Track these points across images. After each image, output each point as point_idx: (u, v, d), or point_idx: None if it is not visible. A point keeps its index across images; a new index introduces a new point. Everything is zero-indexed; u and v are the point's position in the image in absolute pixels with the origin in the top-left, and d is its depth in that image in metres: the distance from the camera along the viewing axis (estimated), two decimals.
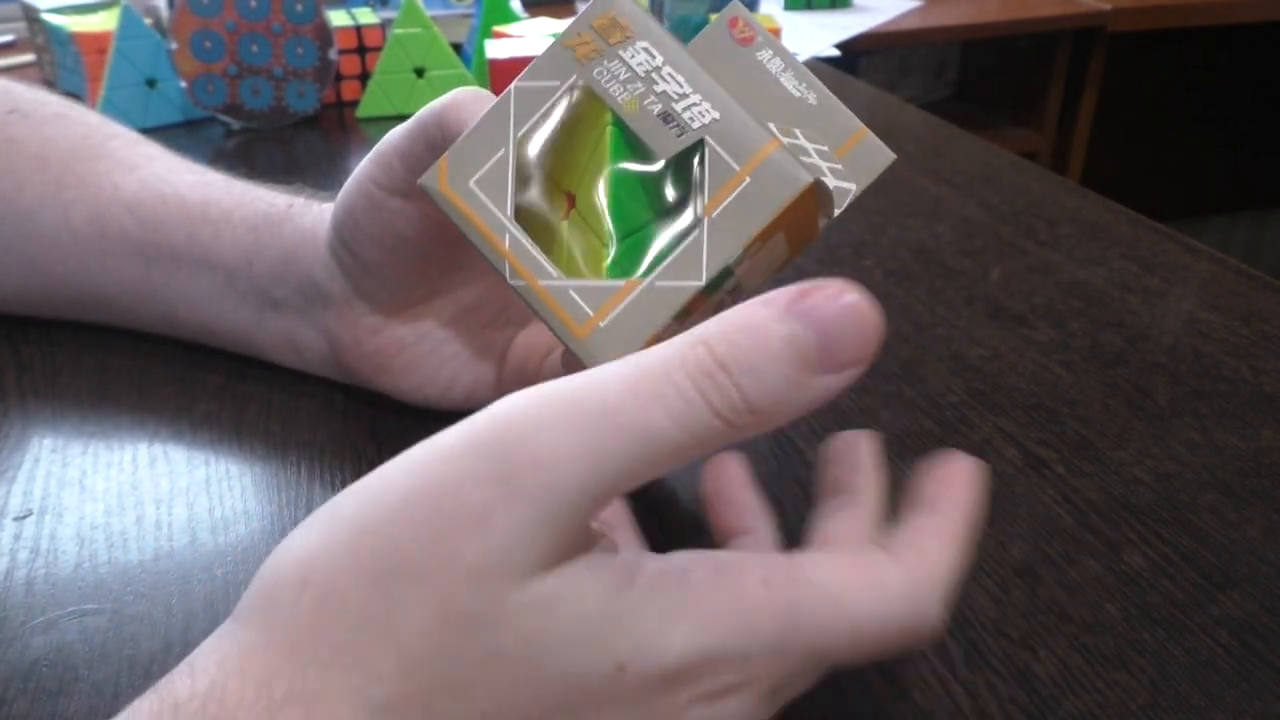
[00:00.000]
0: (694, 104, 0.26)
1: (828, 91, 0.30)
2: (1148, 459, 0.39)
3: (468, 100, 0.31)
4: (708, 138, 0.26)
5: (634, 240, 0.27)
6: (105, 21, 0.80)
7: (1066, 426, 0.41)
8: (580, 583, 0.21)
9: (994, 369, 0.45)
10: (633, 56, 0.26)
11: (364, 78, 0.82)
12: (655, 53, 0.26)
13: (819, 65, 1.03)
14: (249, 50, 0.76)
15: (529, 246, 0.27)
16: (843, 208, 0.29)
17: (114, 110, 0.75)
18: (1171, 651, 0.31)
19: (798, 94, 0.29)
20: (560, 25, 0.84)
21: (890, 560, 0.23)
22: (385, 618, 0.21)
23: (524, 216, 0.28)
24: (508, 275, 0.27)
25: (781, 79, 0.29)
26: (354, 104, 0.82)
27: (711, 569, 0.22)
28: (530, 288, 0.27)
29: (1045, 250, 0.56)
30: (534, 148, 0.28)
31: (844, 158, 0.29)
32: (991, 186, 0.66)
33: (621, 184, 0.28)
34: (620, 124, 0.27)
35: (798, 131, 0.29)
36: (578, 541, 0.22)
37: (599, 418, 0.20)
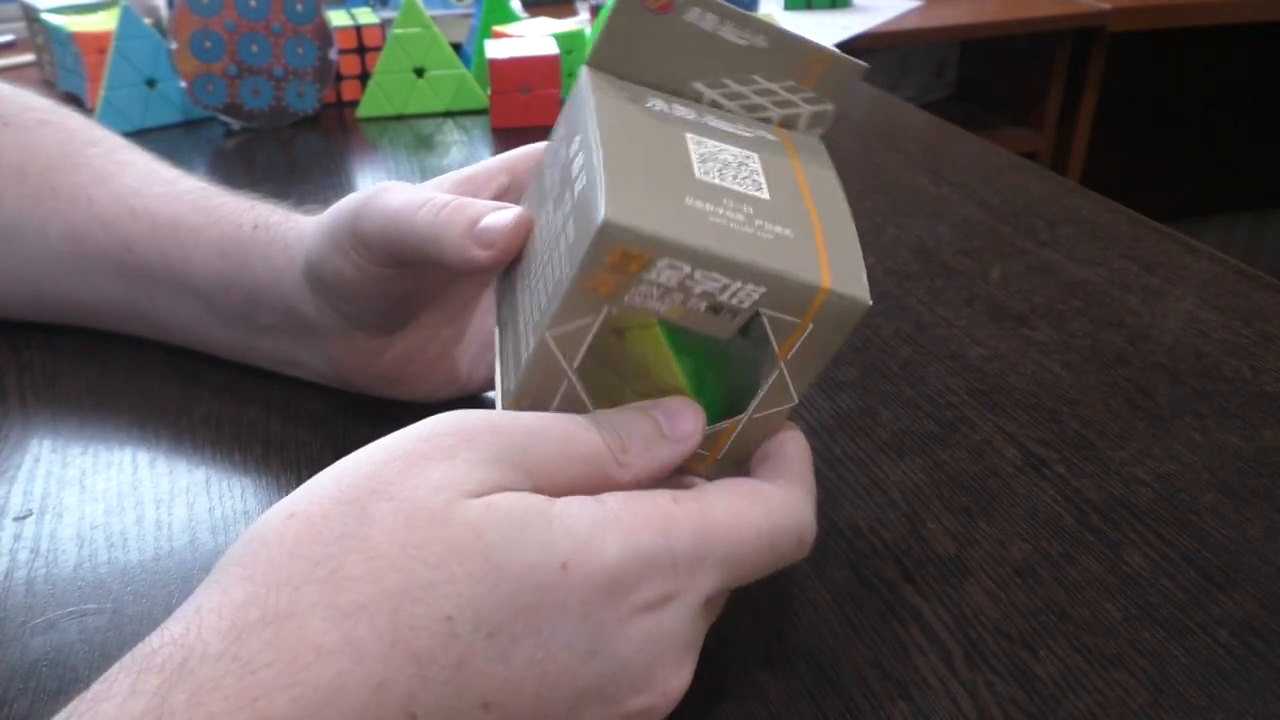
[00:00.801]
0: (738, 289, 0.26)
1: (778, 28, 0.29)
2: (1148, 459, 0.39)
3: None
4: (761, 311, 0.26)
5: (712, 393, 0.29)
6: (105, 21, 0.80)
7: (1066, 426, 0.41)
8: (512, 493, 0.24)
9: (994, 369, 0.45)
10: (659, 275, 0.25)
11: (364, 78, 0.82)
12: (681, 264, 0.25)
13: None
14: (249, 50, 0.76)
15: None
16: (826, 128, 0.30)
17: (114, 110, 0.75)
18: (1171, 651, 0.31)
19: (745, 41, 0.29)
20: (560, 25, 0.84)
21: (765, 482, 0.28)
22: (359, 529, 0.23)
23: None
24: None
25: (721, 33, 0.28)
26: (354, 104, 0.82)
27: (624, 496, 0.25)
28: None
29: (1045, 250, 0.56)
30: (593, 367, 0.28)
31: (817, 85, 0.29)
32: (991, 186, 0.66)
33: (689, 363, 0.28)
34: (668, 325, 0.27)
35: (756, 77, 0.29)
36: (512, 487, 0.25)
37: (532, 419, 0.26)
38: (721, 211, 0.27)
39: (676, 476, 0.29)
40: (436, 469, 0.24)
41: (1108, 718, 0.29)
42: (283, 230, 0.39)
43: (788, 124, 0.30)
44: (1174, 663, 0.30)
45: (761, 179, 0.28)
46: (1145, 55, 1.89)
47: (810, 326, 0.26)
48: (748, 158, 0.29)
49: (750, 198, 0.27)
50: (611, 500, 0.25)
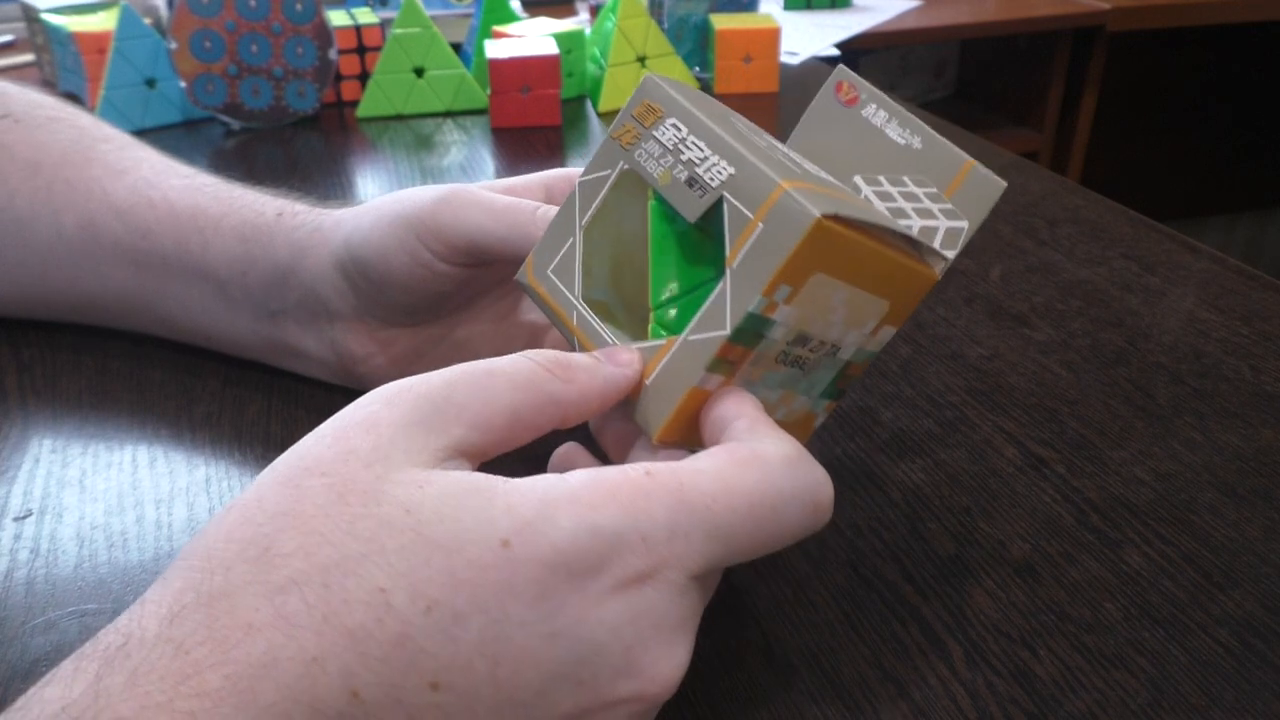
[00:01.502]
0: (712, 164, 0.27)
1: (932, 132, 0.31)
2: (1148, 459, 0.39)
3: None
4: (725, 193, 0.27)
5: (685, 304, 0.29)
6: (105, 21, 0.80)
7: (1066, 426, 0.41)
8: (451, 475, 0.24)
9: (994, 369, 0.45)
10: (663, 134, 0.29)
11: (364, 78, 0.82)
12: (681, 126, 0.28)
13: (819, 66, 1.03)
14: (249, 50, 0.76)
15: (591, 319, 0.30)
16: (959, 247, 0.31)
17: (113, 110, 0.75)
18: (1171, 651, 0.31)
19: (903, 141, 0.31)
20: (560, 25, 0.84)
21: (758, 443, 0.25)
22: (292, 508, 0.23)
23: (594, 305, 0.30)
24: (576, 348, 0.30)
25: (887, 130, 0.31)
26: (354, 104, 0.82)
27: (588, 475, 0.24)
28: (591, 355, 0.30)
29: (1045, 250, 0.56)
30: (596, 232, 0.31)
31: (954, 195, 0.31)
32: None
33: (660, 251, 0.30)
34: (659, 197, 0.29)
35: (907, 179, 0.31)
36: (453, 458, 0.24)
37: (450, 369, 0.26)
38: (765, 142, 0.30)
39: (659, 450, 0.28)
40: (363, 440, 0.24)
41: (1108, 718, 0.29)
42: (312, 216, 0.40)
43: (924, 237, 0.31)
44: (1174, 662, 0.30)
45: (825, 173, 0.30)
46: (1145, 55, 1.89)
47: (760, 227, 0.26)
48: (817, 167, 0.31)
49: (792, 155, 0.30)
50: (573, 477, 0.24)
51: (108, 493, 0.38)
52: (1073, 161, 1.72)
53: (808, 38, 1.17)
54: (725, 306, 0.26)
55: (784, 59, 1.03)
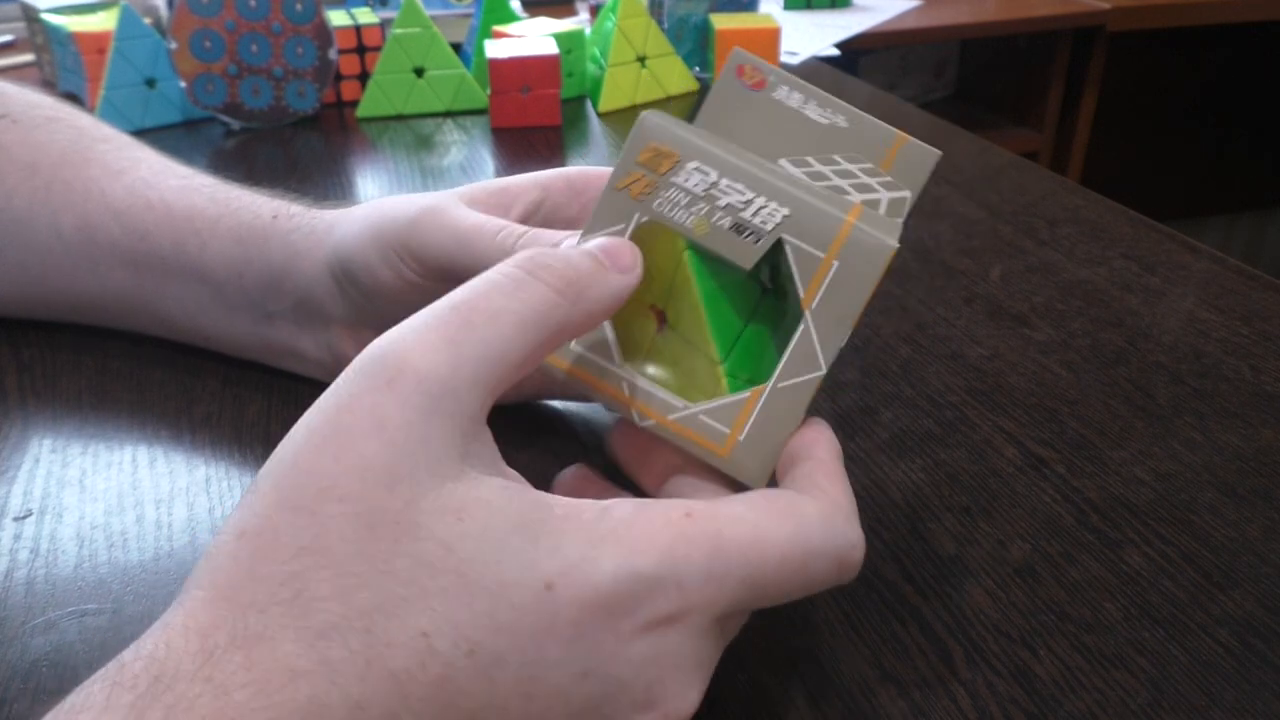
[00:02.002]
0: (761, 207, 0.26)
1: (856, 110, 0.30)
2: (1148, 459, 0.39)
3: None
4: (784, 236, 0.26)
5: (742, 351, 0.28)
6: (105, 21, 0.80)
7: (1066, 426, 0.41)
8: (490, 495, 0.23)
9: (994, 369, 0.45)
10: (687, 179, 0.27)
11: (363, 78, 0.82)
12: (708, 169, 0.27)
13: (819, 65, 1.03)
14: (249, 50, 0.76)
15: (648, 387, 0.28)
16: (904, 215, 0.30)
17: (113, 110, 0.75)
18: (1171, 651, 0.31)
19: (826, 121, 0.30)
20: (560, 25, 0.84)
21: (800, 496, 0.25)
22: (316, 541, 0.22)
23: (644, 373, 0.29)
24: (636, 420, 0.28)
25: (806, 111, 0.30)
26: (354, 104, 0.82)
27: (632, 507, 0.24)
28: (662, 425, 0.28)
29: (1045, 250, 0.56)
30: None
31: (891, 168, 0.30)
32: (991, 186, 0.66)
33: (714, 303, 0.29)
34: (695, 247, 0.28)
35: (837, 157, 0.30)
36: (471, 441, 0.23)
37: (449, 313, 0.24)
38: (766, 163, 0.28)
39: (704, 482, 0.28)
40: (374, 447, 0.22)
41: (1108, 718, 0.29)
42: (307, 218, 0.40)
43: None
44: (1174, 662, 0.30)
45: (819, 185, 0.29)
46: (1145, 55, 1.89)
47: (835, 265, 0.26)
48: (815, 182, 0.30)
49: (799, 176, 0.29)
50: (617, 512, 0.23)
51: (108, 493, 0.38)
52: (1073, 161, 1.72)
53: (808, 38, 1.17)
54: (814, 347, 0.26)
55: (784, 59, 1.03)
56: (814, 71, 1.00)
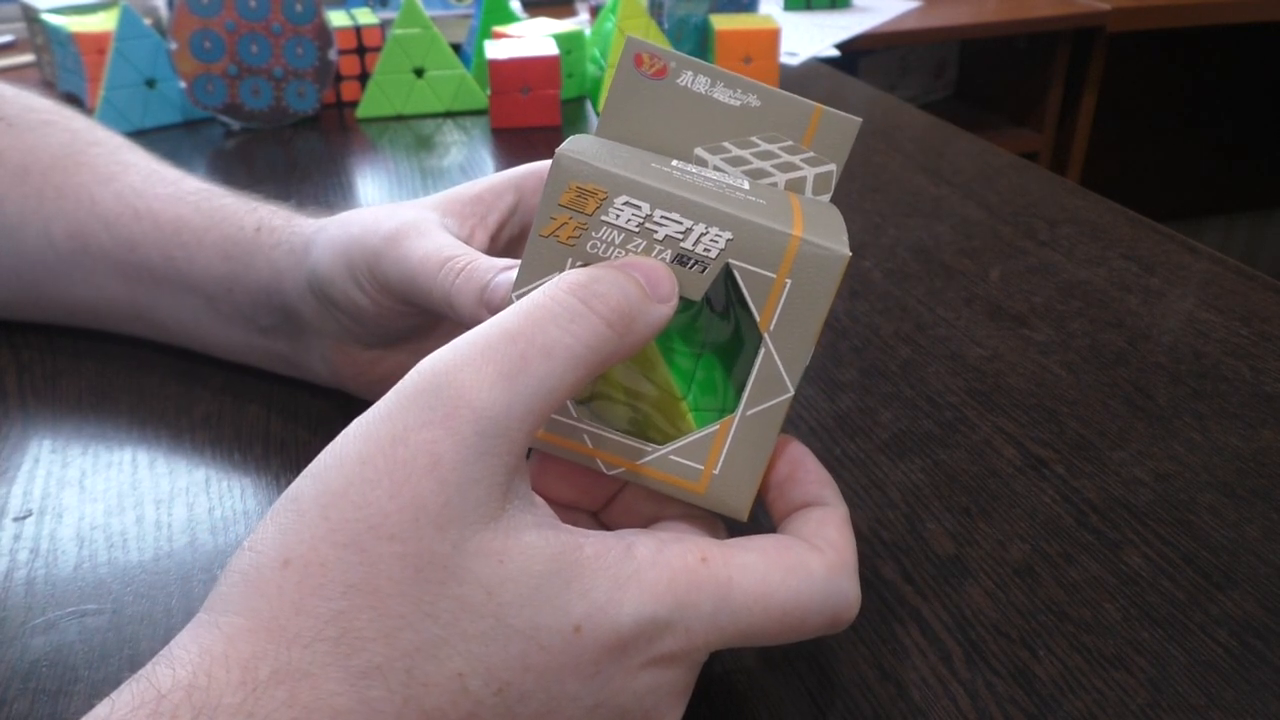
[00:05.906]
0: (702, 234, 0.25)
1: (767, 88, 0.29)
2: (1148, 459, 0.39)
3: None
4: (731, 261, 0.25)
5: (702, 383, 0.28)
6: (105, 21, 0.80)
7: (1066, 426, 0.41)
8: (529, 537, 0.23)
9: (994, 369, 0.45)
10: (618, 216, 0.25)
11: (363, 78, 0.82)
12: (639, 202, 0.25)
13: (819, 66, 1.03)
14: (249, 50, 0.76)
15: (609, 435, 0.27)
16: (832, 190, 0.29)
17: (113, 111, 0.75)
18: (1171, 651, 0.31)
19: (738, 102, 0.29)
20: (559, 25, 0.84)
21: (811, 550, 0.26)
22: (365, 581, 0.22)
23: (604, 422, 0.28)
24: (604, 469, 0.27)
25: (714, 94, 0.29)
26: (353, 104, 0.82)
27: (655, 546, 0.24)
28: (632, 471, 0.27)
29: (1045, 250, 0.56)
30: None
31: (812, 143, 0.29)
32: (991, 186, 0.66)
33: (665, 338, 0.28)
34: None
35: (755, 139, 0.29)
36: (514, 475, 0.23)
37: (505, 344, 0.23)
38: (691, 173, 0.27)
39: (714, 524, 0.28)
40: (430, 487, 0.22)
41: (1107, 718, 0.29)
42: (286, 234, 0.39)
43: (794, 188, 0.29)
44: (1173, 663, 0.30)
45: (746, 184, 0.28)
46: (1145, 55, 1.89)
47: (788, 283, 0.25)
48: (739, 179, 0.29)
49: (728, 183, 0.28)
50: (640, 552, 0.24)
51: (108, 493, 0.38)
52: (1073, 162, 1.72)
53: (808, 38, 1.17)
54: (778, 369, 0.26)
55: (784, 60, 1.03)
56: (814, 72, 1.00)
